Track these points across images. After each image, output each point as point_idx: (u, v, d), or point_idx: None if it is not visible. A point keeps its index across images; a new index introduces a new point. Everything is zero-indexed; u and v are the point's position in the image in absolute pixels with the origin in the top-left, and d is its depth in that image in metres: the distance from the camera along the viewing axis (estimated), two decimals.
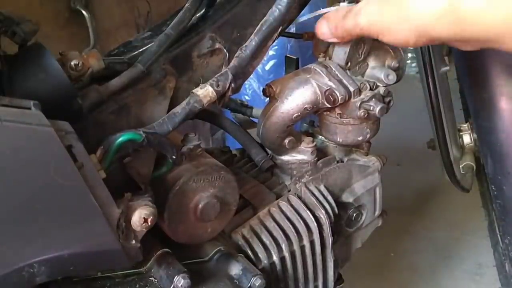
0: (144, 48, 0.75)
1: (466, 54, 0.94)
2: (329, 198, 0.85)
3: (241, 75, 0.69)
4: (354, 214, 0.89)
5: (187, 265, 0.68)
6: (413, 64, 2.96)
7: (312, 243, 0.82)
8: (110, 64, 0.69)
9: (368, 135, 0.83)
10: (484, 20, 0.52)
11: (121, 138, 0.59)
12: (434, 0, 0.55)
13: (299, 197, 0.84)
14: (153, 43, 0.72)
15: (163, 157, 0.66)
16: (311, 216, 0.82)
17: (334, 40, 0.70)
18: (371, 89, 0.78)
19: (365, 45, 0.77)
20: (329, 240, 0.84)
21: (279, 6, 0.67)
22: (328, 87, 0.76)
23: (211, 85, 0.65)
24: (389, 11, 0.59)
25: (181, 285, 0.63)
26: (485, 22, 0.52)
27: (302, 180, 0.84)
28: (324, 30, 0.70)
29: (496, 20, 0.52)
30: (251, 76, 1.00)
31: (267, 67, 2.17)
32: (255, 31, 0.68)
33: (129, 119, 0.68)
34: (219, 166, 0.70)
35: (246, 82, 0.77)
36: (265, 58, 1.21)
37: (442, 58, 1.11)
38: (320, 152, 0.87)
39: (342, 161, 0.90)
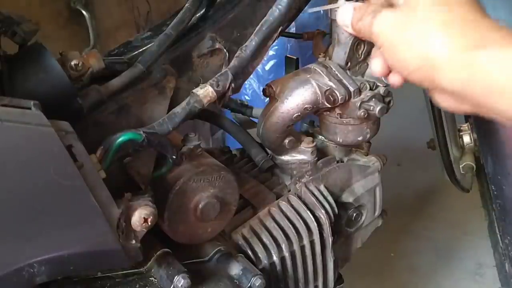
0: (144, 48, 0.75)
1: None
2: (329, 198, 0.85)
3: (241, 75, 0.69)
4: (354, 214, 0.89)
5: (187, 265, 0.68)
6: None
7: (312, 243, 0.82)
8: (110, 64, 0.69)
9: (368, 135, 0.83)
10: (465, 89, 0.51)
11: (121, 138, 0.59)
12: (413, 56, 0.53)
13: (299, 197, 0.84)
14: (153, 43, 0.72)
15: (163, 157, 0.66)
16: (311, 216, 0.82)
17: (350, 31, 0.63)
18: (371, 89, 0.78)
19: (365, 45, 0.77)
20: (329, 240, 0.84)
21: (279, 6, 0.67)
22: (328, 87, 0.76)
23: (211, 85, 0.65)
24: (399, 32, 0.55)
25: (181, 285, 0.64)
26: (464, 91, 0.52)
27: (302, 180, 0.84)
28: (347, 18, 0.63)
29: (474, 92, 0.51)
30: (251, 76, 1.00)
31: (267, 67, 2.16)
32: (255, 31, 0.68)
33: (129, 119, 0.68)
34: (219, 166, 0.70)
35: (246, 82, 0.77)
36: (265, 58, 1.21)
37: None
38: (320, 152, 0.87)
39: (342, 161, 0.90)
